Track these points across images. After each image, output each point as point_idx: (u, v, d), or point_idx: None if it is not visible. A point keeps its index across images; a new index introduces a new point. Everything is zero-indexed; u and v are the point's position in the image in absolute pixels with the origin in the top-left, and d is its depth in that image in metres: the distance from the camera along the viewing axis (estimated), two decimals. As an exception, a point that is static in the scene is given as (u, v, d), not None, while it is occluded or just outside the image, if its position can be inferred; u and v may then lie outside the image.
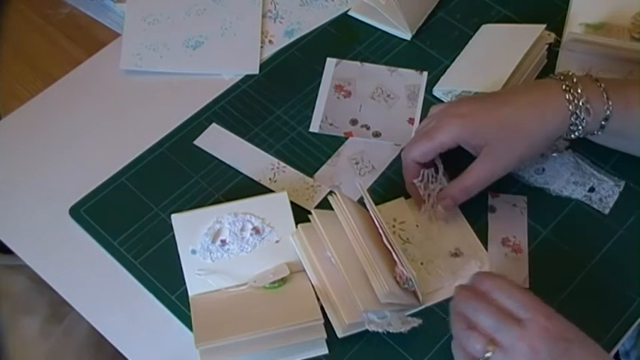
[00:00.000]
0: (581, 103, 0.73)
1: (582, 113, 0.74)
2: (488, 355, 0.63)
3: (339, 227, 0.74)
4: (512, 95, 0.77)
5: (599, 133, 0.76)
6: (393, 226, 0.80)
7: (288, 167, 0.84)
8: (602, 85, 0.75)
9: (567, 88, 0.74)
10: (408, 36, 0.94)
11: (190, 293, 0.75)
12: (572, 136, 0.76)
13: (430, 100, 0.89)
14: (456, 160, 0.79)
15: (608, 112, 0.74)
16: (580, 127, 0.75)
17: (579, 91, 0.74)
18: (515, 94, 0.77)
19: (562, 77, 0.76)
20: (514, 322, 0.63)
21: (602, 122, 0.75)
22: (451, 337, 0.71)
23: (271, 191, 0.81)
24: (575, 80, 0.75)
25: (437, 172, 0.80)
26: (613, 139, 0.79)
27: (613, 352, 0.73)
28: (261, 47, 0.94)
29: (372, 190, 0.82)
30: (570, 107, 0.74)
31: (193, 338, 0.70)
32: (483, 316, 0.64)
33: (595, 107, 0.74)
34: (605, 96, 0.74)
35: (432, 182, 0.80)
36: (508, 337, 0.63)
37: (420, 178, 0.79)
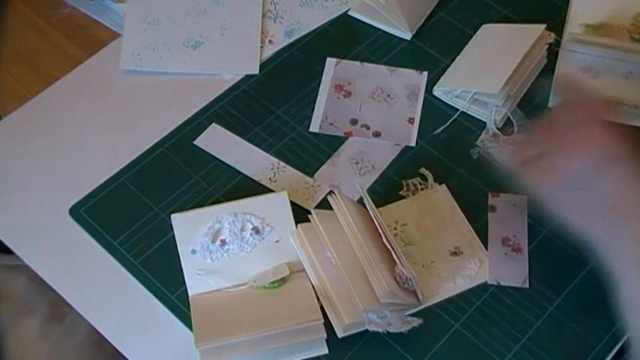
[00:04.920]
0: None
1: None
2: None
3: (339, 227, 0.74)
4: None
5: None
6: (395, 229, 0.80)
7: (288, 167, 0.84)
8: None
9: None
10: (408, 36, 0.94)
11: (190, 293, 0.75)
12: None
13: (430, 100, 0.89)
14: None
15: None
16: None
17: None
18: None
19: None
20: None
21: None
22: (450, 337, 0.72)
23: (271, 191, 0.81)
24: None
25: (426, 180, 0.82)
26: None
27: (613, 352, 0.73)
28: (261, 47, 0.94)
29: (372, 190, 0.82)
30: None
31: (193, 338, 0.70)
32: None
33: None
34: None
35: (422, 189, 0.82)
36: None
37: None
